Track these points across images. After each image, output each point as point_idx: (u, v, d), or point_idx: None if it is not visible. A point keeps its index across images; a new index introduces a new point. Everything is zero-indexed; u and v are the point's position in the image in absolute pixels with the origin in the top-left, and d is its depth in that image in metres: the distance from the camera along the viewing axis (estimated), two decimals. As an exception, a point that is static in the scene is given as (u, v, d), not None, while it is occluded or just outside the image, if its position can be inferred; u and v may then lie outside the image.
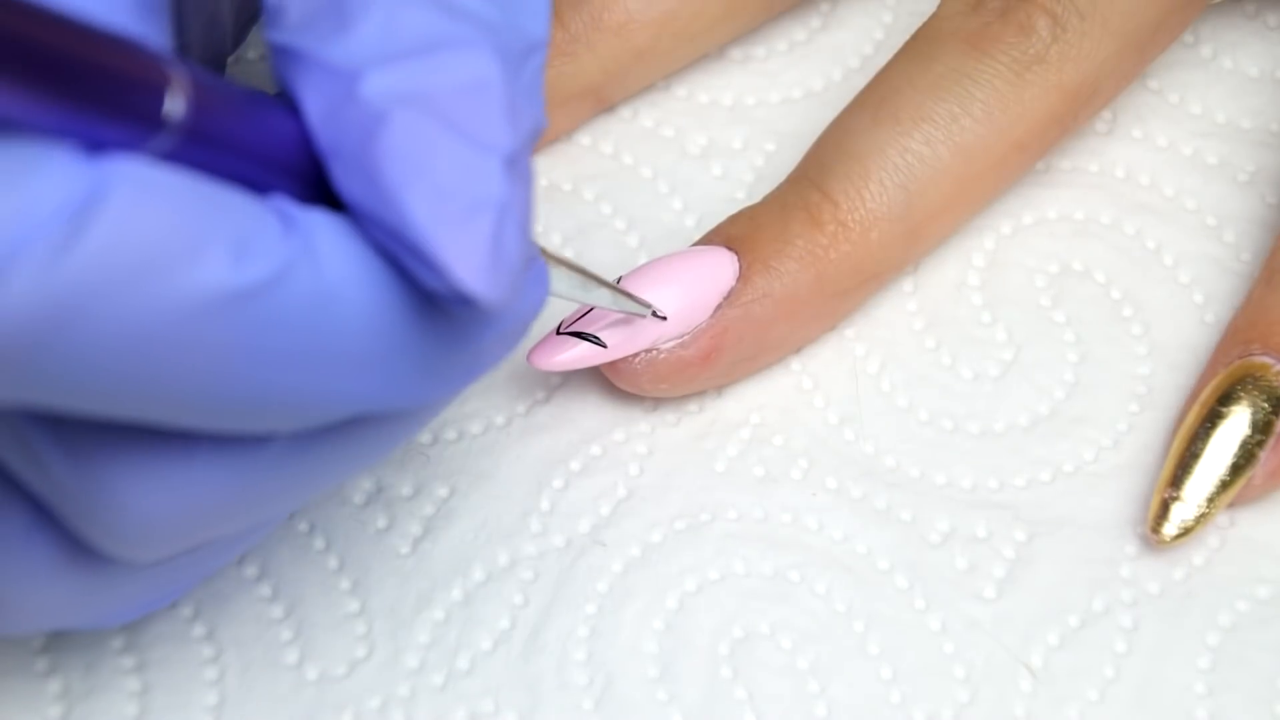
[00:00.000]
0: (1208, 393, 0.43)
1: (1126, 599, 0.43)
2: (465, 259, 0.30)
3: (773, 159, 0.48)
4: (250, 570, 0.43)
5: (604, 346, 0.42)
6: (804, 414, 0.45)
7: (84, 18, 0.28)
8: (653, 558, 0.43)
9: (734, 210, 0.45)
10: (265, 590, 0.43)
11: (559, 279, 0.38)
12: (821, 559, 0.43)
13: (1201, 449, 0.42)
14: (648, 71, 0.47)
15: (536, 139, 0.33)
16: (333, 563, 0.43)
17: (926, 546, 0.43)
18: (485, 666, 0.42)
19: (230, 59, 0.41)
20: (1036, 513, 0.44)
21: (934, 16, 0.45)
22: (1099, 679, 0.42)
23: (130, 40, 0.28)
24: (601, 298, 0.40)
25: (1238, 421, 0.42)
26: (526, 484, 0.44)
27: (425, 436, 0.44)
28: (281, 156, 0.31)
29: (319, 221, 0.31)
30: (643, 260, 0.46)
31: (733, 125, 0.48)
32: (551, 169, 0.48)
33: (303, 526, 0.43)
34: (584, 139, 0.48)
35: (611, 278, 0.44)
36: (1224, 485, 0.42)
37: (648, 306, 0.42)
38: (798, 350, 0.45)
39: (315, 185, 0.32)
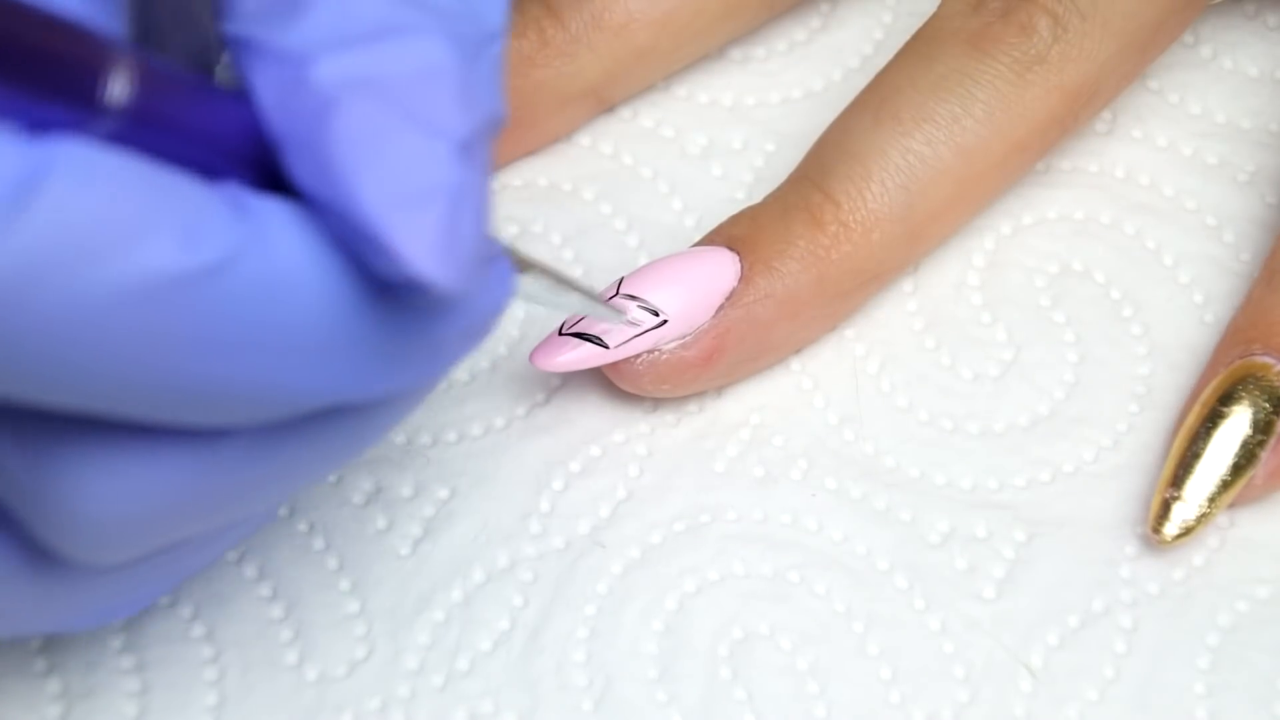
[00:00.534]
0: (1209, 393, 0.43)
1: (1126, 599, 0.43)
2: (418, 244, 0.30)
3: (773, 159, 0.48)
4: (250, 570, 0.43)
5: (606, 347, 0.42)
6: (804, 414, 0.45)
7: None
8: (652, 559, 0.43)
9: (734, 210, 0.45)
10: (265, 590, 0.42)
11: (529, 281, 0.38)
12: (821, 559, 0.43)
13: (1203, 449, 0.42)
14: (648, 72, 0.47)
15: (495, 129, 0.33)
16: (332, 563, 0.43)
17: (926, 547, 0.43)
18: (485, 667, 0.42)
19: (219, 66, 0.41)
20: (1036, 513, 0.44)
21: (935, 17, 0.45)
22: (1099, 679, 0.42)
23: (70, 21, 0.28)
24: (573, 303, 0.40)
25: (1239, 421, 0.42)
26: (526, 485, 0.44)
27: (425, 438, 0.44)
28: (236, 145, 0.31)
29: (272, 209, 0.30)
30: (643, 260, 0.46)
31: (733, 125, 0.48)
32: (551, 169, 0.48)
33: (302, 526, 0.43)
34: (584, 139, 0.48)
35: (612, 278, 0.44)
36: (1225, 485, 0.42)
37: (621, 314, 0.42)
38: (798, 351, 0.45)
39: (272, 175, 0.32)
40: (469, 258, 0.31)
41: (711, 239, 0.44)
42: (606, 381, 0.44)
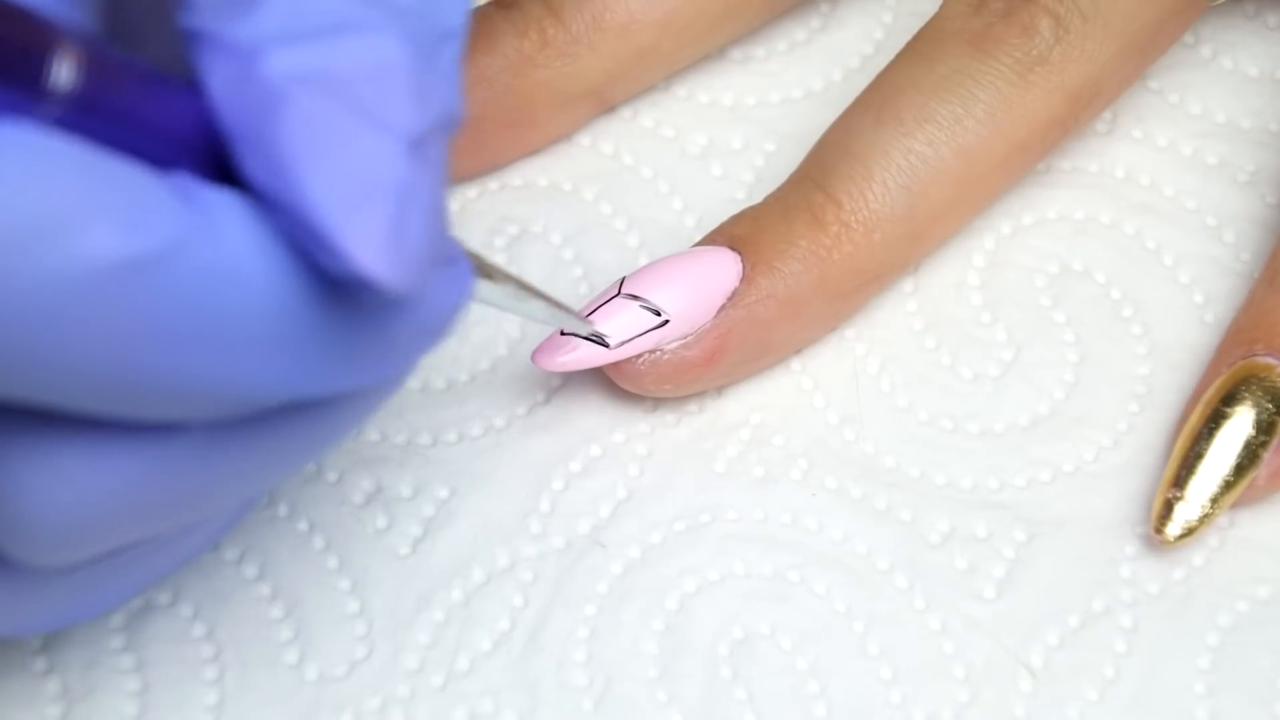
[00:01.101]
0: (1211, 393, 0.43)
1: (1126, 599, 0.43)
2: (363, 241, 0.29)
3: (773, 159, 0.48)
4: (250, 570, 0.43)
5: (607, 347, 0.42)
6: (804, 414, 0.45)
7: None
8: (652, 558, 0.43)
9: (734, 210, 0.45)
10: (265, 590, 0.42)
11: (488, 287, 0.37)
12: (821, 559, 0.43)
13: (1205, 449, 0.42)
14: (649, 72, 0.47)
15: (452, 128, 0.32)
16: (332, 562, 0.43)
17: (926, 546, 0.43)
18: (485, 667, 0.42)
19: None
20: (1036, 513, 0.44)
21: (936, 17, 0.45)
22: (1099, 679, 0.42)
23: (14, 4, 0.28)
24: (536, 311, 0.39)
25: (1241, 422, 0.42)
26: (526, 485, 0.44)
27: (425, 437, 0.44)
28: (187, 136, 0.31)
29: (221, 200, 0.30)
30: (643, 260, 0.46)
31: (733, 125, 0.48)
32: (551, 169, 0.48)
33: (302, 526, 0.43)
34: (584, 139, 0.48)
35: (612, 278, 0.44)
36: (1228, 485, 0.42)
37: (588, 324, 0.42)
38: (799, 351, 0.45)
39: (223, 169, 0.31)
40: (417, 257, 0.30)
41: (713, 239, 0.44)
42: (607, 381, 0.44)
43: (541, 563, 0.43)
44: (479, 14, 0.46)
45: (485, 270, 0.37)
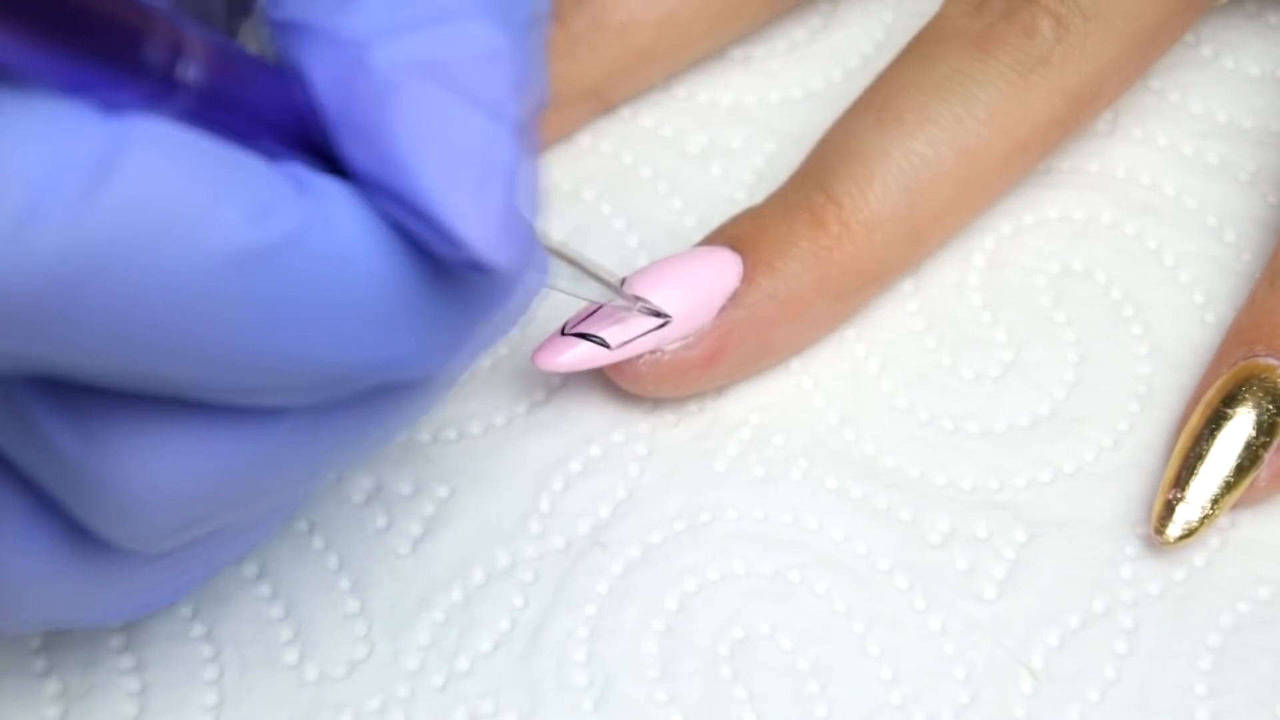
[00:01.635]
0: (1212, 393, 0.43)
1: (1127, 600, 0.43)
2: (480, 226, 0.30)
3: (773, 159, 0.48)
4: (250, 570, 0.43)
5: (608, 347, 0.42)
6: (804, 414, 0.45)
7: None
8: (652, 558, 0.43)
9: (734, 210, 0.45)
10: (265, 590, 0.42)
11: (556, 266, 0.38)
12: (821, 559, 0.43)
13: (1206, 450, 0.42)
14: (649, 72, 0.47)
15: (540, 113, 0.33)
16: (332, 562, 0.43)
17: (926, 547, 0.43)
18: (485, 668, 0.42)
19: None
20: (1037, 513, 0.44)
21: (937, 17, 0.45)
22: (1099, 680, 0.42)
23: (144, 2, 0.28)
24: (593, 291, 0.40)
25: (1242, 423, 0.42)
26: (526, 485, 0.44)
27: (425, 436, 0.44)
28: (289, 124, 0.31)
29: (329, 186, 0.31)
30: (643, 260, 0.46)
31: (733, 125, 0.48)
32: (551, 169, 0.48)
33: (302, 526, 0.43)
34: (584, 139, 0.48)
35: (612, 279, 0.44)
36: (1228, 486, 0.42)
37: (637, 301, 0.42)
38: (799, 352, 0.45)
39: (316, 156, 0.32)
40: (525, 239, 0.31)
41: (713, 239, 0.44)
42: (607, 381, 0.44)
43: (541, 563, 0.43)
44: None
45: (549, 251, 0.38)
